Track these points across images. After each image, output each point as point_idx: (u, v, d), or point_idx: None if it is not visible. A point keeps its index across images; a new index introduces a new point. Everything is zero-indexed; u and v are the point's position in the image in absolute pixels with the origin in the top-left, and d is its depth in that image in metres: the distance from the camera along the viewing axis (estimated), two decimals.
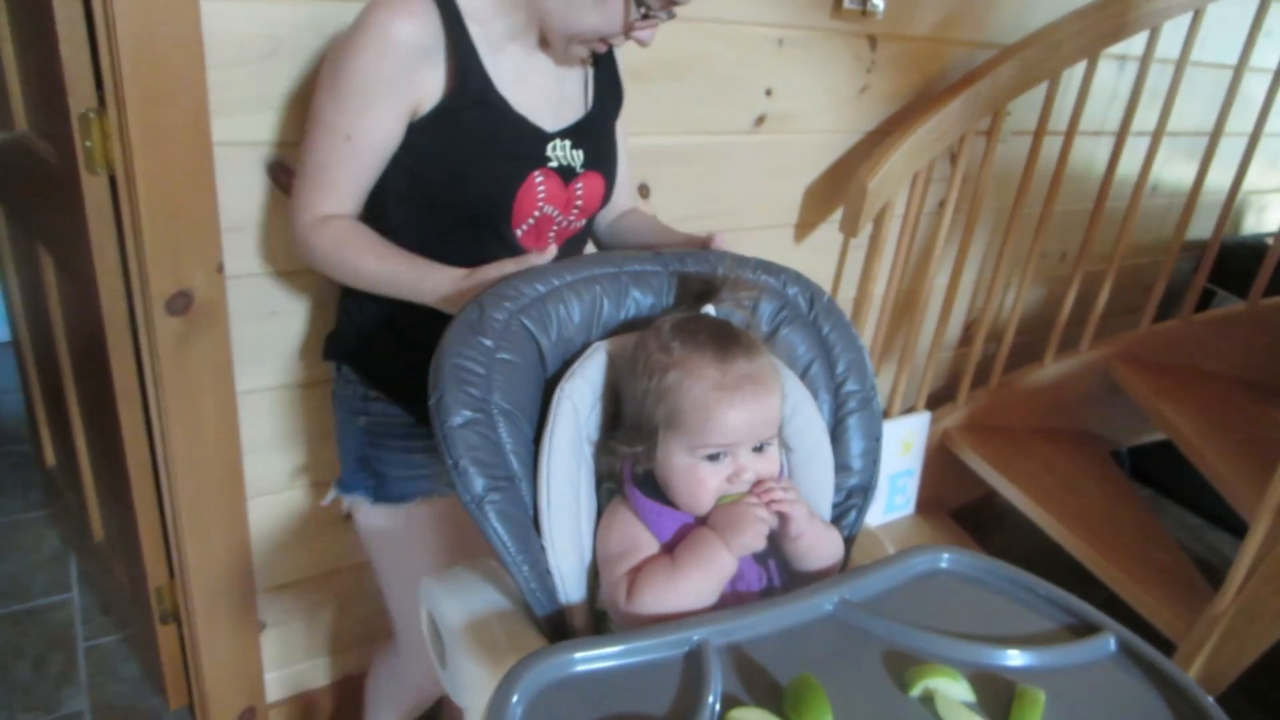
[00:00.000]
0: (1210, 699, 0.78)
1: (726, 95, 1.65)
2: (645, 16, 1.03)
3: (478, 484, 0.84)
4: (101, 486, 1.77)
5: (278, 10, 1.18)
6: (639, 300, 1.00)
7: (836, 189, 1.88)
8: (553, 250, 1.00)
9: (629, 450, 0.90)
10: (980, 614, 0.87)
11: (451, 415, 0.85)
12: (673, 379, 0.86)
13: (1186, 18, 2.02)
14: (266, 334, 1.35)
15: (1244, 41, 2.11)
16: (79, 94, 1.23)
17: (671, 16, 1.05)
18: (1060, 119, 2.03)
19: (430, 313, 1.02)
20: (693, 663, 0.77)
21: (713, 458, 0.87)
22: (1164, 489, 2.80)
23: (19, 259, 1.86)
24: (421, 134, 1.07)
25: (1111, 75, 2.20)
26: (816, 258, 1.95)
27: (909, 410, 2.22)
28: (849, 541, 1.01)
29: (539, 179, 1.12)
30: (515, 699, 0.71)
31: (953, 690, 0.76)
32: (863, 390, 1.05)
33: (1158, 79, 2.06)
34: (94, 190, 1.28)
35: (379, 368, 1.19)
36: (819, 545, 0.93)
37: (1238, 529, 2.26)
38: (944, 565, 0.93)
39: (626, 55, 1.24)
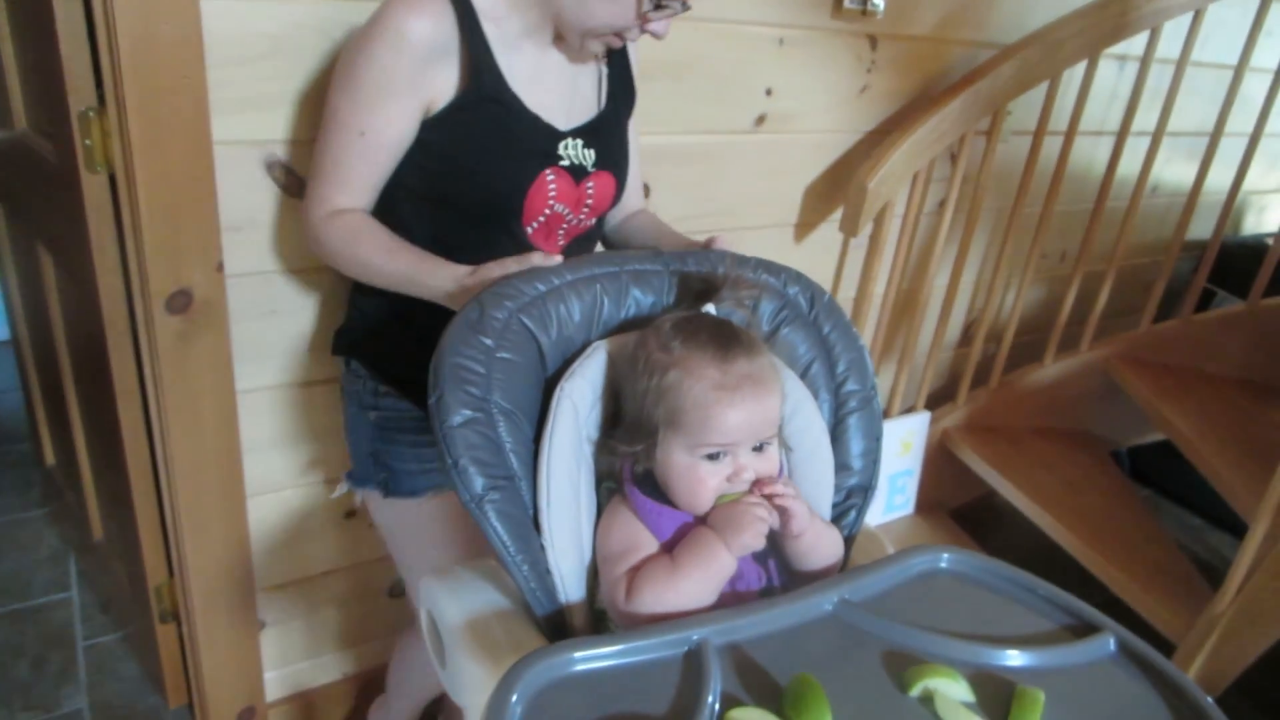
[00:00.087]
0: (1210, 699, 0.78)
1: (726, 95, 1.65)
2: (658, 7, 1.03)
3: (477, 483, 0.84)
4: (101, 485, 1.77)
5: (278, 9, 1.18)
6: (639, 299, 1.00)
7: (836, 189, 1.88)
8: (558, 258, 1.00)
9: (629, 449, 0.90)
10: (980, 614, 0.87)
11: (451, 414, 0.85)
12: (673, 378, 0.86)
13: (1187, 18, 2.02)
14: (266, 333, 1.35)
15: (1244, 42, 2.11)
16: (79, 92, 1.23)
17: (687, 8, 1.05)
18: (1060, 119, 2.03)
19: (440, 308, 1.02)
20: (692, 662, 0.77)
21: (712, 457, 0.87)
22: (1163, 489, 2.80)
23: (19, 258, 1.86)
24: (434, 130, 1.08)
25: (1112, 75, 2.20)
26: (816, 257, 1.95)
27: (909, 410, 2.22)
28: (849, 541, 1.01)
29: (550, 177, 1.12)
30: (515, 698, 0.71)
31: (952, 690, 0.76)
32: (863, 390, 1.05)
33: (1158, 79, 2.06)
34: (94, 189, 1.28)
35: (389, 363, 1.19)
36: (819, 544, 0.93)
37: (1237, 529, 2.26)
38: (944, 565, 0.93)
39: None
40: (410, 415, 1.19)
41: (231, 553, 1.45)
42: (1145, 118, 2.09)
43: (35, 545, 2.14)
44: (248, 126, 1.22)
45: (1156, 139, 2.12)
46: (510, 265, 0.97)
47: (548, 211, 1.14)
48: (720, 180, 1.72)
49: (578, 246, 1.22)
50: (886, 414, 2.12)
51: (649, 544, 0.88)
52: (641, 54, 1.28)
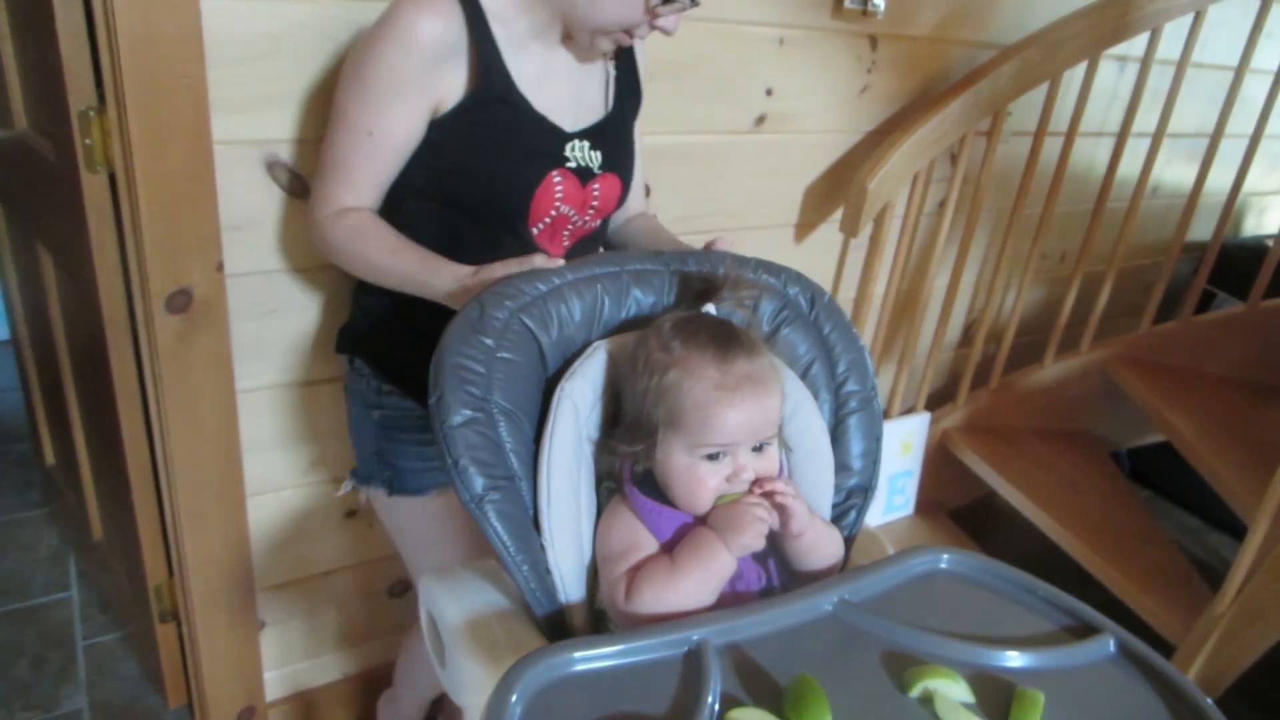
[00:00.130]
0: (1209, 700, 0.78)
1: (727, 95, 1.65)
2: (666, 2, 1.03)
3: (478, 483, 0.84)
4: (101, 485, 1.77)
5: (278, 8, 1.18)
6: (640, 299, 1.00)
7: (837, 189, 1.88)
8: (560, 261, 1.00)
9: (628, 449, 0.90)
10: (979, 615, 0.87)
11: (452, 414, 0.85)
12: (673, 378, 0.86)
13: (1187, 19, 2.02)
14: (266, 332, 1.35)
15: (1245, 43, 2.11)
16: (79, 92, 1.23)
17: (695, 4, 1.05)
18: (1061, 120, 2.03)
19: (443, 307, 1.02)
20: (692, 662, 0.77)
21: (712, 457, 0.87)
22: (1163, 490, 2.80)
23: (18, 257, 1.86)
24: (442, 131, 1.08)
25: (1112, 76, 2.20)
26: (816, 258, 1.95)
27: (908, 410, 2.22)
28: (849, 541, 1.01)
29: (557, 179, 1.12)
30: (514, 698, 0.71)
31: (952, 691, 0.76)
32: (863, 390, 1.05)
33: (1158, 80, 2.06)
34: (93, 188, 1.28)
35: (393, 362, 1.19)
36: (819, 544, 0.93)
37: (1237, 531, 2.26)
38: (944, 566, 0.93)
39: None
40: (415, 414, 1.19)
41: (231, 552, 1.45)
42: (1145, 119, 2.09)
43: (35, 545, 2.14)
44: (248, 126, 1.22)
45: (1157, 140, 2.12)
46: (512, 266, 0.97)
47: (553, 213, 1.14)
48: (720, 180, 1.72)
49: (582, 248, 1.22)
50: (886, 414, 2.12)
51: (649, 544, 0.88)
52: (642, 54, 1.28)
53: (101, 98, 1.21)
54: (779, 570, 0.93)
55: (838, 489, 1.02)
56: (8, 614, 1.93)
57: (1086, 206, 2.19)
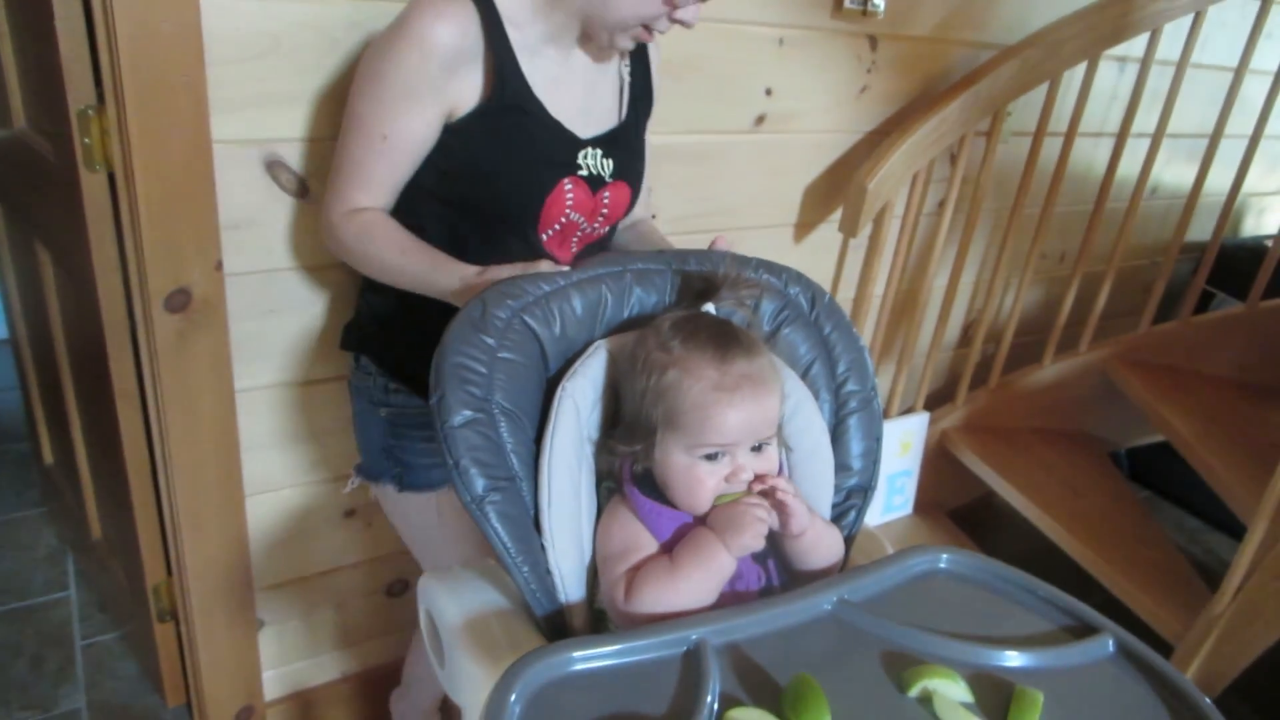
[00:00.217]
0: (1208, 700, 0.78)
1: (726, 95, 1.65)
2: None
3: (478, 484, 0.84)
4: (99, 484, 1.76)
5: (278, 7, 1.18)
6: (642, 298, 1.00)
7: (836, 189, 1.88)
8: (566, 269, 1.00)
9: (627, 449, 0.90)
10: (979, 615, 0.87)
11: (453, 414, 0.85)
12: (671, 378, 0.86)
13: (1187, 20, 2.02)
14: (265, 332, 1.35)
15: (1244, 44, 2.11)
16: (78, 91, 1.22)
17: None
18: (1060, 120, 2.03)
19: (450, 306, 1.02)
20: (691, 662, 0.77)
21: (711, 457, 0.87)
22: (1162, 491, 2.80)
23: (17, 256, 1.85)
24: (457, 136, 1.08)
25: (1112, 77, 2.20)
26: (816, 258, 1.95)
27: (907, 410, 2.22)
28: (848, 541, 1.01)
29: (568, 187, 1.12)
30: (513, 697, 0.71)
31: (951, 691, 0.76)
32: (863, 390, 1.05)
33: (1158, 81, 2.06)
34: (93, 187, 1.28)
35: (400, 360, 1.19)
36: (819, 544, 0.93)
37: (1235, 531, 2.26)
38: (943, 565, 0.93)
39: None
40: (423, 411, 1.19)
41: (230, 552, 1.45)
42: (1145, 119, 2.09)
43: (33, 544, 2.14)
44: (247, 125, 1.22)
45: (1156, 140, 2.12)
46: (518, 269, 0.97)
47: (563, 220, 1.14)
48: (720, 180, 1.72)
49: (588, 253, 1.22)
50: (885, 414, 2.12)
51: (648, 544, 0.88)
52: None
53: (101, 97, 1.21)
54: (779, 570, 0.93)
55: (837, 489, 1.02)
56: (6, 613, 1.93)
57: (1086, 207, 2.19)
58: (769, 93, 1.70)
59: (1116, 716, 0.78)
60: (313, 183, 1.29)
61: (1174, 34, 2.03)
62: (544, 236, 1.15)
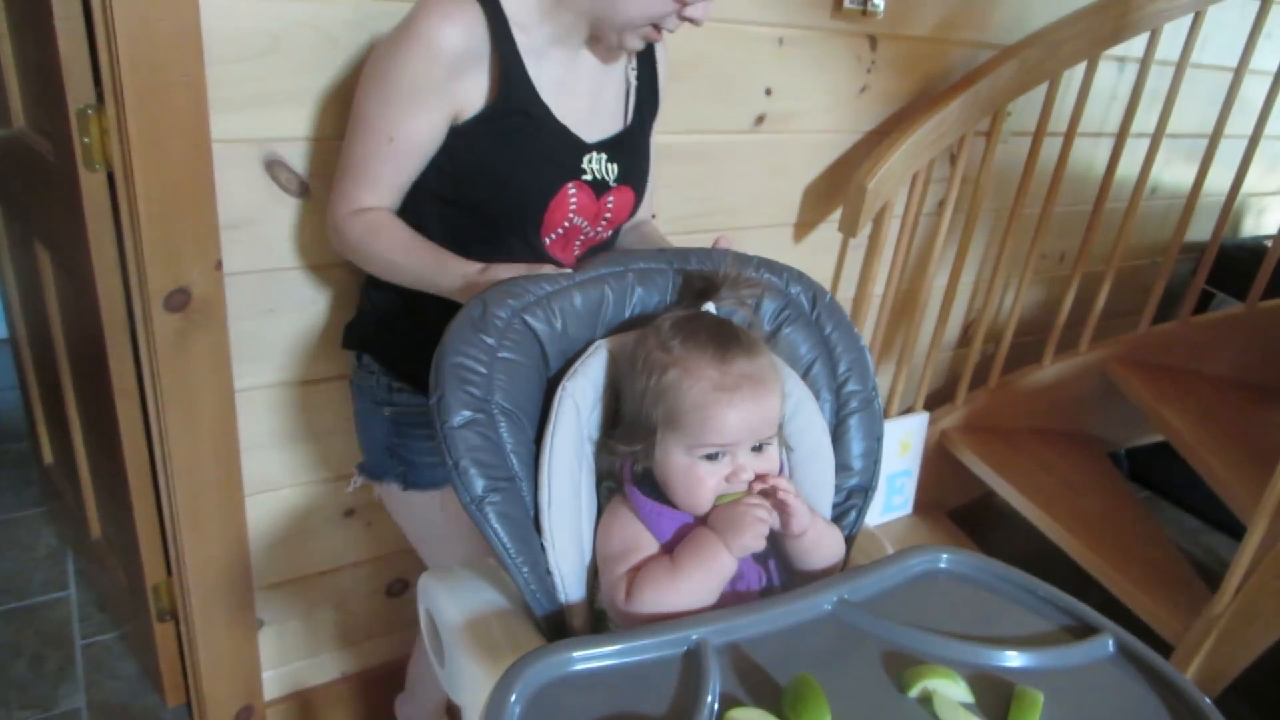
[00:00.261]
0: (1208, 700, 0.78)
1: (726, 95, 1.65)
2: None
3: (478, 485, 0.84)
4: (99, 484, 1.76)
5: (278, 6, 1.18)
6: (644, 298, 1.00)
7: (836, 189, 1.88)
8: (568, 270, 1.00)
9: (627, 449, 0.90)
10: (979, 615, 0.87)
11: (452, 415, 0.85)
12: (672, 378, 0.86)
13: (1187, 20, 2.02)
14: (265, 331, 1.35)
15: (1244, 44, 2.11)
16: (77, 90, 1.22)
17: None
18: (1060, 120, 2.03)
19: (454, 304, 1.02)
20: (691, 662, 0.77)
21: (711, 457, 0.87)
22: (1162, 491, 2.81)
23: (17, 256, 1.85)
24: (462, 138, 1.08)
25: (1111, 76, 2.21)
26: (815, 257, 1.95)
27: (907, 410, 2.22)
28: (849, 541, 1.01)
29: (572, 191, 1.12)
30: (513, 697, 0.71)
31: (951, 691, 0.76)
32: (864, 390, 1.05)
33: (1158, 81, 2.06)
34: (92, 187, 1.28)
35: (403, 359, 1.19)
36: (820, 544, 0.93)
37: (1235, 531, 2.26)
38: (943, 565, 0.93)
39: None
40: (426, 410, 1.18)
41: (229, 551, 1.45)
42: (1145, 119, 2.09)
43: (33, 544, 2.14)
44: (247, 125, 1.22)
45: (1156, 140, 2.12)
46: (521, 269, 0.97)
47: (566, 224, 1.14)
48: (719, 180, 1.72)
49: (592, 256, 1.22)
50: (885, 414, 2.12)
51: (649, 544, 0.88)
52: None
53: (100, 96, 1.20)
54: (780, 570, 0.93)
55: (838, 489, 1.02)
56: (6, 613, 1.93)
57: (1085, 207, 2.19)
58: (769, 92, 1.70)
59: (1116, 717, 0.79)
60: (313, 182, 1.29)
61: (1173, 34, 2.03)
62: (547, 240, 1.15)
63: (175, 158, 1.17)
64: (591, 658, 0.76)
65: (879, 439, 1.05)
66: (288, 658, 1.63)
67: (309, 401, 1.43)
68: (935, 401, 2.28)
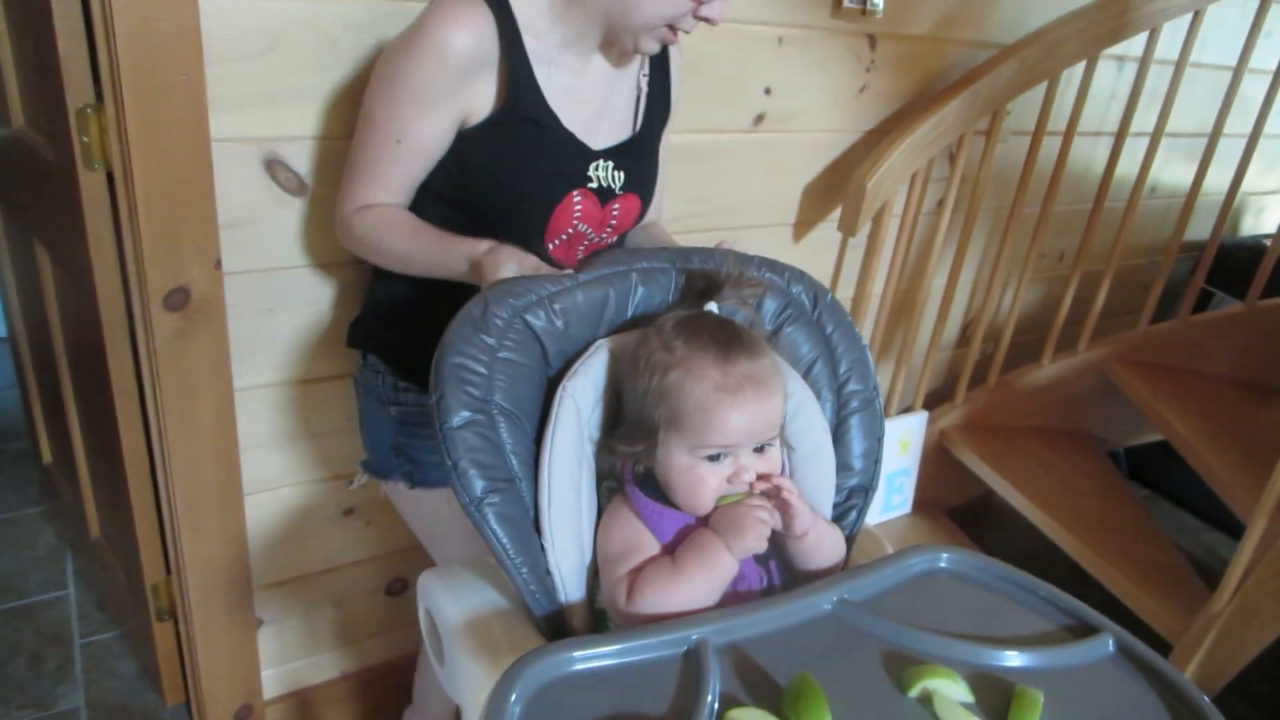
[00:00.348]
0: (1207, 699, 0.78)
1: (726, 94, 1.65)
2: None
3: (477, 486, 0.84)
4: (98, 483, 1.76)
5: (276, 5, 1.17)
6: (646, 297, 1.00)
7: (835, 188, 1.88)
8: (570, 271, 1.00)
9: (629, 449, 0.89)
10: (979, 614, 0.87)
11: (451, 415, 0.85)
12: (674, 379, 0.86)
13: (1186, 19, 2.02)
14: (264, 331, 1.35)
15: (1243, 43, 2.11)
16: (76, 89, 1.22)
17: None
18: (1059, 119, 2.03)
19: (459, 303, 1.02)
20: (691, 662, 0.77)
21: (713, 458, 0.87)
22: (1161, 490, 2.81)
23: (16, 255, 1.85)
24: (468, 143, 1.08)
25: (1111, 76, 2.21)
26: (815, 257, 1.95)
27: (906, 410, 2.22)
28: (849, 541, 1.01)
29: (577, 198, 1.12)
30: (513, 697, 0.71)
31: (951, 691, 0.76)
32: (865, 390, 1.05)
33: (1157, 80, 2.06)
34: (91, 186, 1.28)
35: (409, 359, 1.19)
36: (822, 544, 0.93)
37: (1234, 530, 2.26)
38: (943, 565, 0.93)
39: None
40: None
41: (229, 550, 1.45)
42: (1144, 118, 2.09)
43: (32, 543, 2.14)
44: (246, 124, 1.22)
45: (1155, 139, 2.12)
46: (527, 267, 0.97)
47: (571, 230, 1.14)
48: (719, 179, 1.72)
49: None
50: (884, 413, 2.11)
51: (650, 545, 0.88)
52: None
53: (99, 95, 1.20)
54: (781, 571, 0.93)
55: (839, 489, 1.02)
56: (5, 612, 1.93)
57: (1085, 206, 2.19)
58: (768, 92, 1.70)
59: (1116, 716, 0.79)
60: (312, 181, 1.29)
61: (1173, 33, 2.03)
62: (550, 245, 1.15)
63: (175, 157, 1.17)
64: (592, 657, 0.75)
65: (879, 438, 1.05)
66: (287, 657, 1.63)
67: (308, 400, 1.43)
68: (934, 401, 2.28)
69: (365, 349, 1.25)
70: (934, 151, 1.84)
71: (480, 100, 1.06)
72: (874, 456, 1.05)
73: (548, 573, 0.88)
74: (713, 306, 0.96)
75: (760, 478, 0.88)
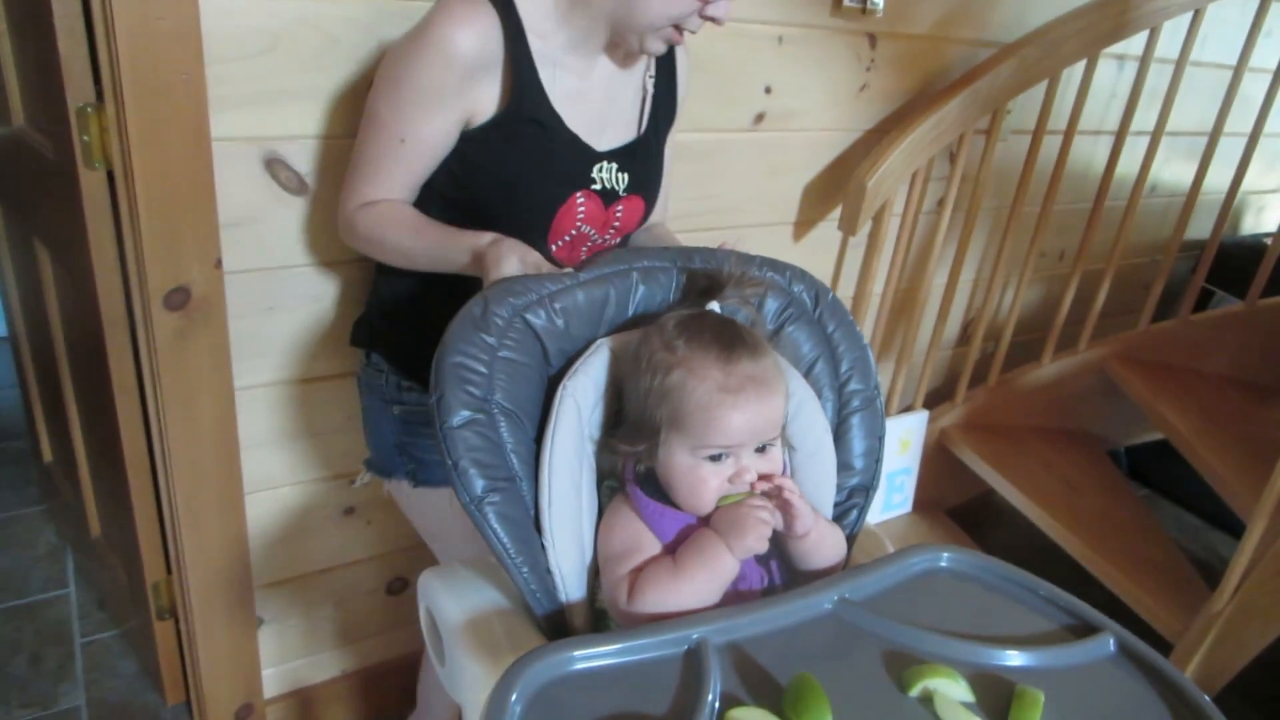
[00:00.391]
0: (1208, 699, 0.78)
1: (726, 93, 1.65)
2: None
3: (477, 485, 0.84)
4: (99, 482, 1.76)
5: (276, 5, 1.17)
6: (647, 296, 1.00)
7: (835, 187, 1.88)
8: (571, 270, 1.00)
9: (630, 449, 0.89)
10: (979, 614, 0.87)
11: (451, 415, 0.85)
12: (676, 378, 0.86)
13: (1186, 17, 2.02)
14: (264, 330, 1.35)
15: (1244, 42, 2.11)
16: (77, 88, 1.22)
17: None
18: (1060, 118, 2.03)
19: (463, 301, 1.02)
20: (692, 661, 0.77)
21: (715, 458, 0.87)
22: (1161, 489, 2.81)
23: (16, 254, 1.85)
24: (472, 143, 1.08)
25: (1111, 74, 2.20)
26: (815, 256, 1.95)
27: (907, 409, 2.22)
28: (850, 540, 1.01)
29: (580, 200, 1.12)
30: (514, 697, 0.71)
31: (952, 690, 0.76)
32: (866, 389, 1.05)
33: (1157, 78, 2.06)
34: (92, 185, 1.28)
35: (413, 358, 1.19)
36: (823, 544, 0.93)
37: (1234, 529, 2.26)
38: (943, 564, 0.93)
39: None
40: None
41: (229, 550, 1.45)
42: (1144, 117, 2.09)
43: (33, 542, 2.14)
44: (247, 123, 1.22)
45: (1155, 138, 2.12)
46: (530, 261, 0.97)
47: (574, 231, 1.14)
48: (719, 178, 1.72)
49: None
50: (885, 413, 2.12)
51: (651, 545, 0.88)
52: None
53: (100, 94, 1.20)
54: (782, 571, 0.93)
55: (839, 488, 1.02)
56: (5, 611, 1.93)
57: (1085, 205, 2.19)
58: (768, 91, 1.70)
59: (1117, 715, 0.79)
60: (312, 180, 1.29)
61: (1173, 32, 2.03)
62: (553, 246, 1.15)
63: (175, 156, 1.17)
64: (592, 657, 0.75)
65: (880, 438, 1.05)
66: (287, 656, 1.63)
67: (309, 400, 1.43)
68: (935, 400, 2.28)
69: (369, 348, 1.25)
70: (934, 150, 1.84)
71: (485, 101, 1.06)
72: (875, 456, 1.05)
73: (548, 572, 0.88)
74: (714, 306, 0.96)
75: (762, 478, 0.88)
